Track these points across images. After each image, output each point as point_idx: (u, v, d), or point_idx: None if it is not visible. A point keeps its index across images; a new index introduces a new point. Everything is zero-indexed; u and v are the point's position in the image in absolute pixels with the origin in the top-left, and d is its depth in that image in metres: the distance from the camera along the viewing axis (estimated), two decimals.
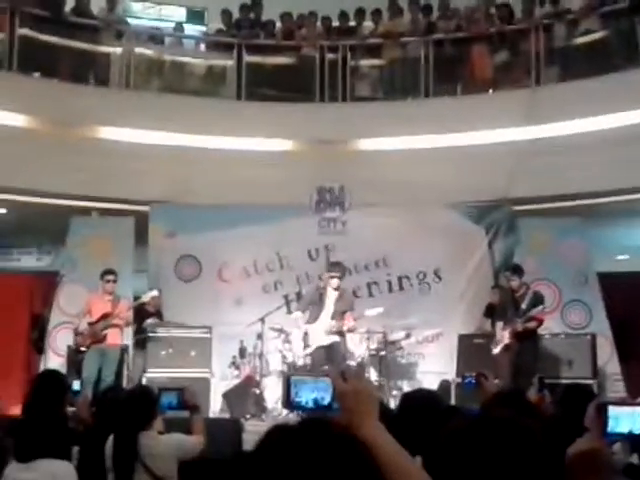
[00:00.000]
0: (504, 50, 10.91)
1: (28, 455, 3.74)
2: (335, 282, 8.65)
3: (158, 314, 9.41)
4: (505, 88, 10.76)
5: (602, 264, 10.38)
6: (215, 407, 8.75)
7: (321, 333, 8.48)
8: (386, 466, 1.45)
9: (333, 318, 8.52)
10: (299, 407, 1.70)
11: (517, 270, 8.77)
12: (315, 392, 1.70)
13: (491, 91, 10.90)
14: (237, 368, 9.17)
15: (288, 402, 1.70)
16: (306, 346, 8.52)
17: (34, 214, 10.70)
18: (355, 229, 10.41)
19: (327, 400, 1.71)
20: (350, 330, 8.62)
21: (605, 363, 9.38)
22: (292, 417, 6.51)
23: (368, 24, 11.78)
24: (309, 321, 8.59)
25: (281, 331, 8.95)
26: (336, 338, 8.52)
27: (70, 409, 5.77)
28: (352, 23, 11.90)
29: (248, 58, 11.10)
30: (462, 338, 9.17)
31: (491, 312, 9.24)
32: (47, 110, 9.71)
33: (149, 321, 9.17)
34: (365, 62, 11.52)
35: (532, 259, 9.79)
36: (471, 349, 8.90)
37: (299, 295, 9.69)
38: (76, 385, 7.37)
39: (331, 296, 8.65)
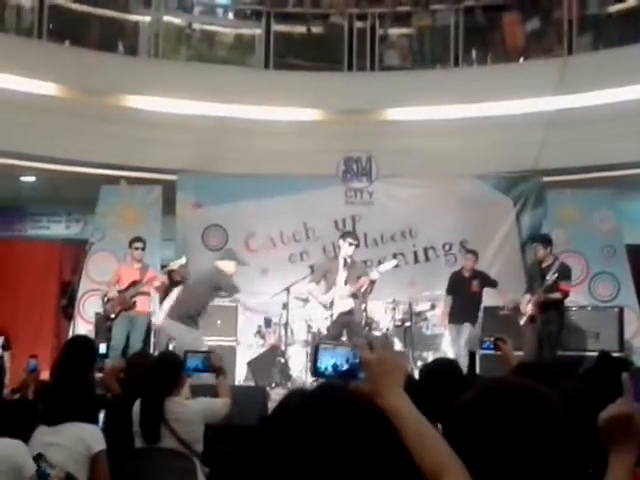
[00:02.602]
0: (536, 18, 10.72)
1: (55, 419, 3.82)
2: (352, 249, 8.57)
3: (184, 282, 9.48)
4: (536, 57, 10.59)
5: (631, 236, 10.26)
6: (240, 376, 8.83)
7: (339, 300, 8.46)
8: (408, 435, 1.46)
9: (346, 284, 8.48)
10: (322, 374, 1.72)
11: (544, 240, 8.69)
12: (334, 358, 1.72)
13: (522, 60, 10.73)
14: (262, 337, 9.24)
15: (314, 370, 1.71)
16: (330, 315, 8.52)
17: (63, 182, 10.81)
18: (382, 200, 10.38)
19: (345, 367, 1.73)
20: (372, 283, 8.49)
21: (632, 336, 9.31)
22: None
23: None
24: (325, 291, 8.57)
25: (306, 300, 8.96)
26: (352, 303, 8.47)
27: (98, 375, 5.87)
28: None
29: (276, 27, 11.04)
30: (487, 310, 9.13)
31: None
32: (76, 79, 9.75)
33: (176, 289, 9.24)
34: (394, 30, 11.38)
35: (560, 231, 9.71)
36: (496, 321, 8.86)
37: (313, 268, 9.67)
38: (102, 348, 7.44)
39: (342, 262, 8.60)
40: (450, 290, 9.28)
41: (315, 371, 1.70)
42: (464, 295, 9.07)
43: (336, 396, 1.34)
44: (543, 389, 1.68)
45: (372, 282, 8.55)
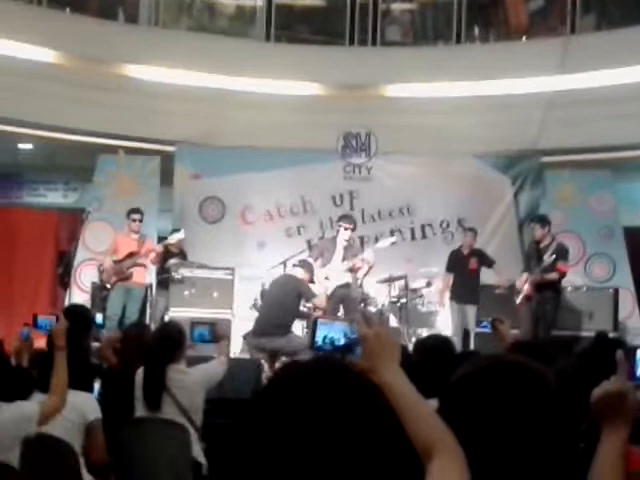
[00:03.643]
0: None
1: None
2: (347, 234, 8.58)
3: (182, 254, 9.48)
4: (539, 36, 10.54)
5: (629, 218, 10.27)
6: (236, 348, 8.86)
7: (335, 274, 8.48)
8: (402, 411, 1.46)
9: (343, 261, 8.50)
10: (319, 348, 1.73)
11: (542, 220, 8.70)
12: (332, 333, 1.73)
13: (524, 39, 10.67)
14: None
15: (312, 343, 1.73)
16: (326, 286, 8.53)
17: (61, 151, 10.78)
18: (380, 176, 10.37)
19: (343, 341, 1.74)
20: (358, 269, 8.53)
21: (627, 317, 9.36)
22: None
23: None
24: (320, 267, 8.57)
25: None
26: (349, 277, 8.50)
27: (94, 344, 5.90)
28: None
29: None
30: (484, 288, 9.15)
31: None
32: (76, 46, 9.68)
33: (172, 261, 9.25)
34: (396, 5, 11.31)
35: (558, 211, 9.73)
36: (492, 299, 8.89)
37: (311, 245, 9.66)
38: (99, 319, 7.49)
39: (340, 244, 8.61)
40: (450, 267, 9.31)
41: (313, 344, 1.71)
42: (463, 273, 9.10)
43: (330, 369, 1.32)
44: (537, 366, 1.69)
45: (370, 267, 8.57)
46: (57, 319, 3.95)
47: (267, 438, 1.22)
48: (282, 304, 7.79)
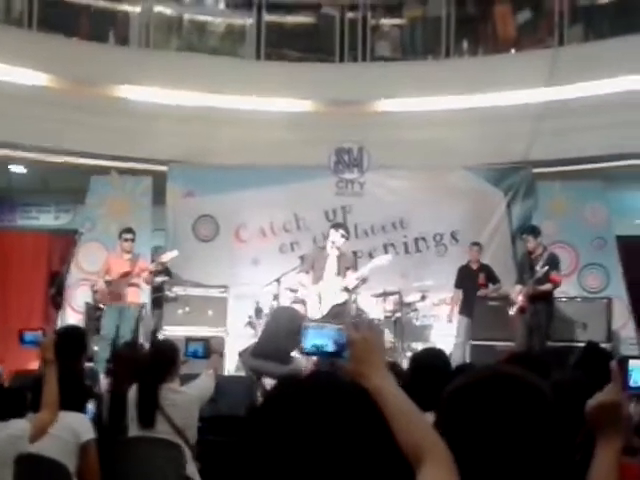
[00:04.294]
0: (527, 9, 10.72)
1: None
2: (342, 241, 8.58)
3: (167, 272, 9.47)
4: (527, 48, 10.59)
5: (622, 228, 10.29)
6: (230, 366, 8.83)
7: (330, 292, 8.46)
8: (392, 416, 1.45)
9: (338, 275, 8.50)
10: (307, 353, 1.73)
11: (534, 231, 8.73)
12: (320, 338, 1.72)
13: (513, 51, 10.74)
14: (253, 328, 9.22)
15: (301, 348, 1.73)
16: (321, 307, 8.51)
17: (53, 172, 10.77)
18: (373, 190, 10.38)
19: (331, 347, 1.72)
20: (363, 281, 8.55)
21: (620, 327, 9.34)
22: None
23: None
24: (313, 282, 8.57)
25: (296, 291, 8.95)
26: (345, 296, 8.51)
27: (88, 364, 5.88)
28: None
29: (268, 17, 11.00)
30: (478, 300, 9.16)
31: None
32: (67, 69, 9.71)
33: (157, 279, 9.24)
34: (385, 21, 11.37)
35: (551, 222, 9.74)
36: (486, 311, 8.89)
37: (302, 258, 9.65)
38: (96, 348, 7.52)
39: (332, 255, 8.60)
40: (459, 283, 9.34)
41: (301, 350, 1.72)
42: (473, 288, 9.13)
43: (328, 385, 1.33)
44: (534, 377, 1.68)
45: (363, 280, 8.57)
46: (44, 333, 3.92)
47: (265, 453, 1.22)
48: (288, 334, 7.75)
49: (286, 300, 8.85)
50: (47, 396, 3.55)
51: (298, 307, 8.29)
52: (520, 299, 8.33)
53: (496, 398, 1.59)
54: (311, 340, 1.70)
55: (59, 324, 8.97)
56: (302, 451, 1.21)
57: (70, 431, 3.86)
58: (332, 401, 1.27)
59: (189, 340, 4.97)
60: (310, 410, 1.25)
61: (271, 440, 1.23)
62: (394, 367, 3.86)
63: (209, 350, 4.89)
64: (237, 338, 9.14)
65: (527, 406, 1.58)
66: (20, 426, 3.42)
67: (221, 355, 5.16)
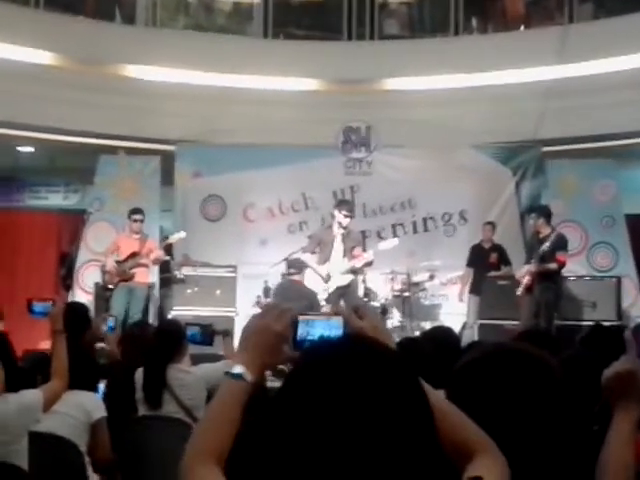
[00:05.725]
0: None
1: None
2: (346, 221, 8.55)
3: (168, 253, 9.48)
4: (537, 26, 10.51)
5: (631, 206, 10.25)
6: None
7: (336, 273, 8.46)
8: (439, 411, 1.39)
9: (344, 256, 8.48)
10: (301, 348, 1.63)
11: (542, 211, 8.70)
12: (326, 330, 1.65)
13: (522, 28, 10.65)
14: (261, 307, 9.22)
15: (294, 342, 1.61)
16: (327, 287, 8.50)
17: (61, 152, 10.78)
18: (381, 170, 10.35)
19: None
20: (366, 264, 8.53)
21: (630, 306, 9.33)
22: None
23: None
24: (319, 262, 8.56)
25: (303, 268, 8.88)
26: (351, 277, 8.50)
27: (99, 345, 5.90)
28: None
29: None
30: (486, 280, 9.14)
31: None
32: (74, 48, 9.68)
33: (162, 258, 9.24)
34: None
35: (560, 201, 9.71)
36: (494, 291, 8.88)
37: (310, 237, 9.64)
38: (110, 322, 7.48)
39: (338, 235, 8.57)
40: (470, 262, 9.34)
41: (295, 344, 1.63)
42: (484, 267, 9.12)
43: (364, 347, 1.23)
44: (542, 352, 1.68)
45: (368, 263, 8.53)
46: (53, 304, 3.94)
47: (305, 423, 1.15)
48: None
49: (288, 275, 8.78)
50: (57, 365, 3.58)
51: (298, 277, 8.23)
52: (526, 278, 8.31)
53: (504, 372, 1.60)
54: (306, 333, 1.63)
55: None
56: (344, 419, 1.13)
57: (81, 410, 3.88)
58: (374, 365, 1.18)
59: (188, 324, 4.89)
60: (354, 376, 1.16)
61: (313, 409, 1.15)
62: (415, 344, 3.81)
63: (210, 335, 4.81)
64: (246, 318, 9.13)
65: (535, 380, 1.59)
66: (33, 395, 3.44)
67: (229, 334, 5.08)
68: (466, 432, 1.43)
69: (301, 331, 1.61)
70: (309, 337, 1.61)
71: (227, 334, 5.02)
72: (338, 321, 1.62)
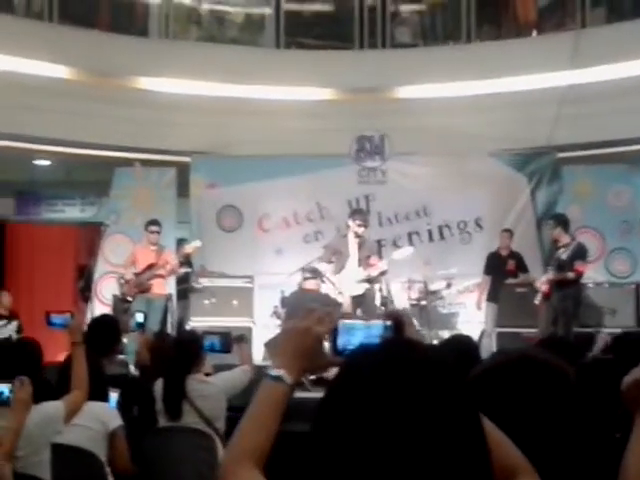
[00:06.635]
0: None
1: None
2: (361, 230, 8.56)
3: (188, 263, 9.51)
4: (549, 31, 10.49)
5: None
6: (257, 356, 8.86)
7: (351, 282, 8.46)
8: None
9: (359, 266, 8.48)
10: (342, 354, 1.63)
11: (561, 219, 8.67)
12: (367, 336, 1.64)
13: (535, 34, 10.63)
14: (278, 317, 9.24)
15: (334, 349, 1.61)
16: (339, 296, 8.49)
17: (78, 165, 10.84)
18: (395, 178, 10.34)
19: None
20: (381, 274, 8.54)
21: None
22: None
23: None
24: (335, 271, 8.56)
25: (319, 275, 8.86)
26: (367, 286, 8.50)
27: (120, 356, 5.92)
28: None
29: (286, 5, 10.97)
30: (504, 287, 9.11)
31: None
32: (88, 61, 9.75)
33: (181, 270, 9.29)
34: (405, 7, 11.30)
35: (576, 207, 9.66)
36: (512, 298, 8.84)
37: (326, 247, 9.63)
38: (139, 317, 7.52)
39: (353, 244, 8.58)
40: (488, 270, 9.31)
41: (335, 350, 1.62)
42: (501, 274, 9.08)
43: (411, 353, 1.18)
44: (557, 360, 1.68)
45: (382, 273, 8.53)
46: (72, 316, 3.97)
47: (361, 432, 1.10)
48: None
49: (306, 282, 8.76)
50: (77, 377, 3.60)
51: (314, 284, 8.21)
52: (544, 286, 8.28)
53: (519, 380, 1.60)
54: (348, 339, 1.63)
55: (88, 317, 9.04)
56: (401, 424, 1.09)
57: (97, 420, 3.90)
58: (432, 373, 1.15)
59: (206, 333, 4.90)
60: (412, 383, 1.12)
61: (367, 417, 1.10)
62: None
63: (229, 343, 4.83)
64: (263, 328, 9.17)
65: (551, 387, 1.59)
66: (54, 407, 3.46)
67: (244, 339, 5.06)
68: (510, 454, 1.42)
69: (341, 336, 1.60)
70: (350, 343, 1.61)
71: (242, 340, 5.02)
72: (379, 327, 1.62)
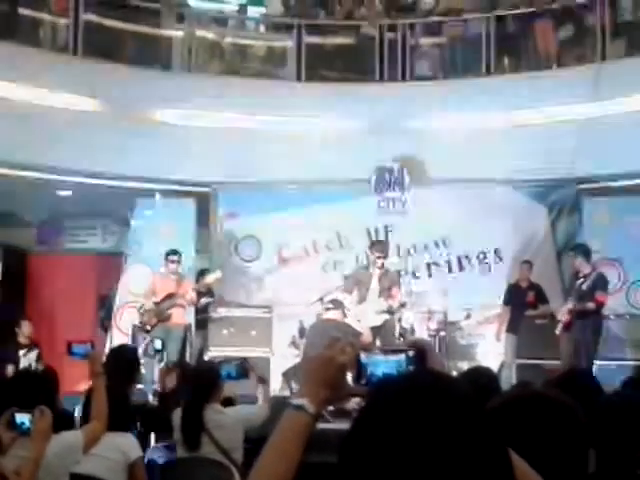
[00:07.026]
0: (568, 25, 10.65)
1: None
2: (379, 262, 8.58)
3: (210, 293, 9.55)
4: (570, 64, 10.51)
5: None
6: (275, 386, 8.84)
7: (371, 313, 8.45)
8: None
9: (380, 296, 8.48)
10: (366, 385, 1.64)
11: (582, 250, 8.63)
12: (388, 367, 1.65)
13: (555, 67, 10.67)
14: (297, 347, 9.23)
15: (358, 377, 1.62)
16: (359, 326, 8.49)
17: (99, 196, 10.94)
18: (415, 209, 10.37)
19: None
20: (402, 305, 8.55)
21: None
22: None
23: (428, 0, 11.62)
24: (357, 302, 8.57)
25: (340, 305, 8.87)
26: (387, 317, 8.49)
27: (137, 386, 5.93)
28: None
29: (308, 39, 11.10)
30: (524, 319, 9.05)
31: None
32: (111, 93, 9.88)
33: (203, 300, 9.32)
34: (425, 40, 11.39)
35: (596, 239, 9.60)
36: (533, 330, 8.78)
37: (347, 277, 9.63)
38: (158, 344, 7.56)
39: (375, 274, 8.59)
40: (507, 301, 9.27)
41: (357, 380, 1.62)
42: (521, 306, 9.04)
43: (437, 384, 1.17)
44: (564, 397, 1.68)
45: (402, 304, 8.53)
46: (92, 345, 4.00)
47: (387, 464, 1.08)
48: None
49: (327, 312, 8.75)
50: (96, 407, 3.61)
51: (334, 314, 8.19)
52: (565, 317, 8.22)
53: (527, 418, 1.59)
54: (372, 369, 1.64)
55: (107, 346, 9.08)
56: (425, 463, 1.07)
57: (118, 451, 3.91)
58: (458, 404, 1.13)
59: (222, 362, 4.94)
60: (438, 415, 1.10)
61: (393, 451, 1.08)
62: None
63: (245, 370, 4.86)
64: (281, 358, 9.16)
65: (558, 425, 1.58)
66: (73, 437, 3.47)
67: (263, 381, 5.07)
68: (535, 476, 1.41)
69: (364, 367, 1.61)
70: (372, 374, 1.62)
71: (263, 381, 5.03)
72: (400, 360, 1.62)
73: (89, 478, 3.69)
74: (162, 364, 6.32)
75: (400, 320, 8.80)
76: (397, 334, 8.79)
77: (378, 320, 8.43)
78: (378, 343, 8.38)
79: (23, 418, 3.15)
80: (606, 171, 9.71)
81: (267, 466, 1.44)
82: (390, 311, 8.47)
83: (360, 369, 1.61)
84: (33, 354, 9.77)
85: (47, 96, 9.55)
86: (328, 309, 8.40)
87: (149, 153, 9.98)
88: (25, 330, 9.96)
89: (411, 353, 1.64)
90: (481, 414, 1.14)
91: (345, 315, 8.30)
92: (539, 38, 10.80)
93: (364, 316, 8.47)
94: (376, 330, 8.40)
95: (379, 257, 8.55)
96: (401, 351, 1.64)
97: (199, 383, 4.57)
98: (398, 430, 1.09)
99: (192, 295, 8.99)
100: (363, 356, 1.61)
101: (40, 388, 3.61)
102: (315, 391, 1.50)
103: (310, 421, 1.47)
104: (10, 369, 9.06)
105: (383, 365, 1.63)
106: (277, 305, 9.50)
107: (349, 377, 1.57)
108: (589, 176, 9.89)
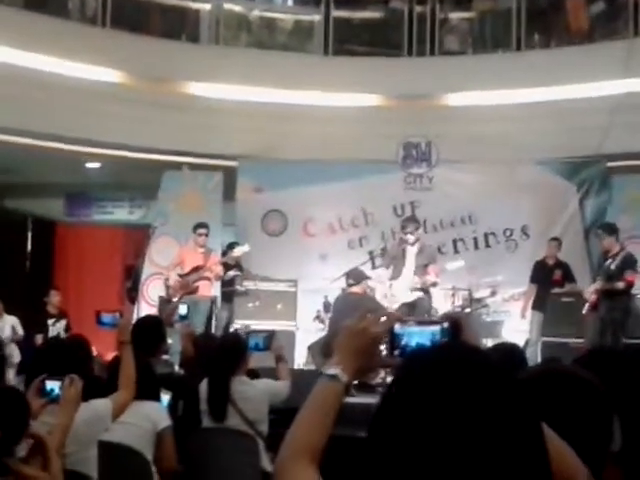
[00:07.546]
0: (601, 0, 10.48)
1: None
2: (411, 238, 8.55)
3: (238, 266, 9.59)
4: (601, 40, 10.35)
5: None
6: (300, 359, 8.90)
7: (404, 290, 8.44)
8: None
9: (415, 274, 8.47)
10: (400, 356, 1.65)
11: (610, 229, 8.54)
12: (422, 338, 1.66)
13: (587, 43, 10.50)
14: (322, 322, 9.27)
15: (392, 349, 1.63)
16: (390, 302, 8.49)
17: (127, 168, 11.01)
18: (441, 185, 10.31)
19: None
20: (433, 285, 8.53)
21: None
22: None
23: None
24: (393, 277, 8.57)
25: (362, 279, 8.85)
26: (420, 294, 8.48)
27: (164, 357, 6.00)
28: None
29: (336, 12, 11.02)
30: (550, 296, 9.01)
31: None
32: (139, 66, 9.90)
33: (230, 273, 9.37)
34: (454, 14, 11.26)
35: (626, 217, 9.51)
36: (559, 308, 8.74)
37: (384, 251, 9.62)
38: (183, 310, 7.65)
39: (411, 251, 8.57)
40: (534, 278, 9.23)
41: (391, 352, 1.63)
42: (547, 283, 8.99)
43: (469, 356, 1.16)
44: (585, 373, 1.67)
45: (433, 284, 8.52)
46: (121, 315, 4.05)
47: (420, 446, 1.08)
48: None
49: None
50: (124, 376, 3.66)
51: (359, 288, 8.19)
52: (593, 296, 8.17)
53: (550, 395, 1.59)
54: (406, 340, 1.65)
55: (135, 317, 9.18)
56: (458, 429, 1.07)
57: (147, 419, 3.95)
58: (490, 376, 1.13)
59: (250, 333, 4.99)
60: (470, 387, 1.10)
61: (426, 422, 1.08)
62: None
63: (271, 341, 4.90)
64: (306, 332, 9.21)
65: (581, 403, 1.58)
66: (102, 405, 3.52)
67: (283, 359, 5.11)
68: (571, 464, 1.41)
69: (398, 338, 1.62)
70: (407, 344, 1.63)
71: (281, 359, 5.04)
72: (435, 331, 1.63)
73: (117, 446, 3.74)
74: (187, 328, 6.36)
75: (430, 298, 8.78)
76: (427, 312, 8.77)
77: (410, 297, 8.43)
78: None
79: (53, 385, 3.20)
80: (637, 148, 9.58)
81: (301, 434, 1.45)
82: (424, 289, 8.46)
83: (394, 340, 1.62)
84: (61, 324, 9.92)
85: (76, 68, 9.58)
86: (350, 285, 8.41)
87: (177, 126, 10.01)
88: (54, 300, 10.11)
89: (446, 325, 1.65)
90: (514, 387, 1.14)
91: (368, 289, 8.30)
92: (570, 13, 10.63)
93: (398, 292, 8.46)
94: (408, 306, 8.39)
95: (409, 233, 8.52)
96: (436, 322, 1.65)
97: (226, 354, 4.60)
98: (430, 402, 1.09)
99: (219, 268, 9.04)
100: (397, 327, 1.62)
101: (70, 356, 3.67)
102: (349, 360, 1.52)
103: (342, 391, 1.49)
104: (39, 338, 9.21)
105: (417, 336, 1.64)
106: (302, 279, 9.52)
107: (382, 348, 1.58)
108: (619, 153, 9.76)
